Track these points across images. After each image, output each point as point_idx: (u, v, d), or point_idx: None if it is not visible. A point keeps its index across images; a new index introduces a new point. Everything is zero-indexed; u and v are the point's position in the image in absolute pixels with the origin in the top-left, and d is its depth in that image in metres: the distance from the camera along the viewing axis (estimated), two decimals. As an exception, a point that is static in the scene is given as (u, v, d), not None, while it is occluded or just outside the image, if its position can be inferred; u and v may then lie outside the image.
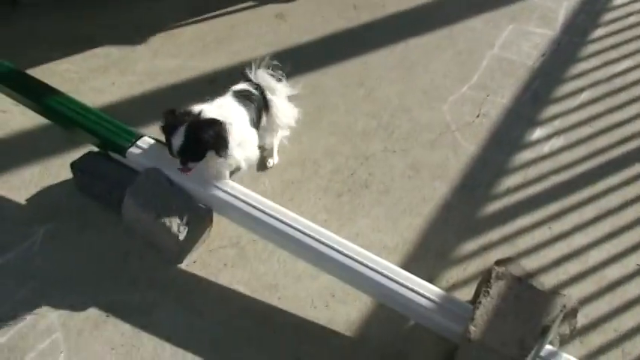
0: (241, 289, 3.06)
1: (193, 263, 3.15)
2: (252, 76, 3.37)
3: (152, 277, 3.07)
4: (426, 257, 3.22)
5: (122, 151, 3.25)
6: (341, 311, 2.99)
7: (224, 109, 3.06)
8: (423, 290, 2.77)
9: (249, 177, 3.49)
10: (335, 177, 3.59)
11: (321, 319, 2.96)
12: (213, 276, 3.10)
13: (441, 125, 3.93)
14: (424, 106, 4.06)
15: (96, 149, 3.38)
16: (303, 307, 3.00)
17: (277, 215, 3.01)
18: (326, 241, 2.91)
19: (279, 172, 3.60)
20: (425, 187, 3.56)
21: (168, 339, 2.83)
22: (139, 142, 3.28)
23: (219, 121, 2.93)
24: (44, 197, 3.42)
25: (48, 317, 2.89)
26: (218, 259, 3.17)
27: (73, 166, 3.34)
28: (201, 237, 3.19)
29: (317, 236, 2.93)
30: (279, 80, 3.47)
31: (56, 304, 2.94)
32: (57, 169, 3.53)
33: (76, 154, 3.40)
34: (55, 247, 3.18)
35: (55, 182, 3.48)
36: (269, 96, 3.37)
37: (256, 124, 3.27)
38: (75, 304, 2.94)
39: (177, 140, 2.88)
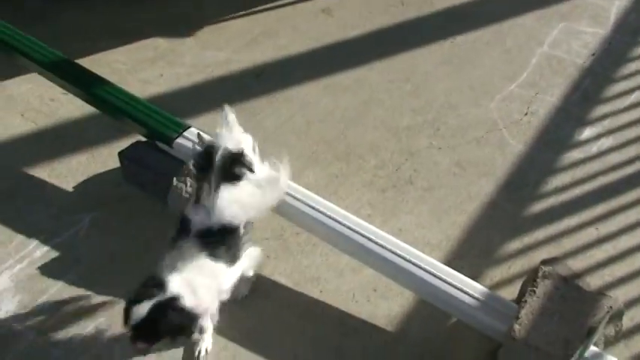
0: (283, 281, 3.07)
1: (236, 254, 3.16)
2: None
3: (195, 266, 3.09)
4: (469, 255, 3.19)
5: (169, 141, 3.27)
6: (382, 306, 2.97)
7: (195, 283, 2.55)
8: (467, 287, 2.73)
9: (294, 170, 3.48)
10: (379, 172, 3.58)
11: (363, 314, 2.95)
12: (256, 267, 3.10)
13: (489, 123, 3.89)
14: (471, 103, 4.02)
15: (143, 139, 3.41)
16: (344, 301, 2.99)
17: (321, 208, 2.99)
18: (369, 235, 2.89)
19: (323, 166, 3.60)
20: (470, 184, 3.53)
21: (209, 328, 2.85)
22: (185, 133, 3.29)
23: (188, 313, 2.47)
24: (91, 185, 3.47)
25: (93, 302, 2.94)
26: (261, 250, 3.16)
27: (121, 154, 3.37)
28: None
29: (360, 230, 2.91)
30: None
31: (101, 290, 2.98)
32: (104, 158, 3.58)
33: (124, 143, 3.44)
34: (101, 235, 3.22)
35: (102, 171, 3.53)
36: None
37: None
38: (119, 290, 2.97)
39: (136, 315, 2.43)
